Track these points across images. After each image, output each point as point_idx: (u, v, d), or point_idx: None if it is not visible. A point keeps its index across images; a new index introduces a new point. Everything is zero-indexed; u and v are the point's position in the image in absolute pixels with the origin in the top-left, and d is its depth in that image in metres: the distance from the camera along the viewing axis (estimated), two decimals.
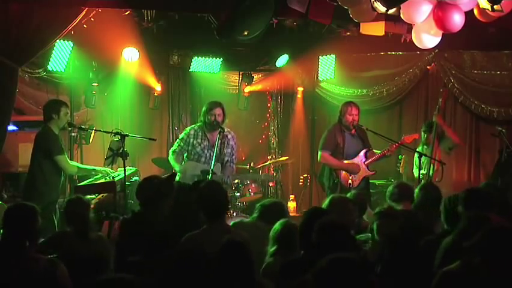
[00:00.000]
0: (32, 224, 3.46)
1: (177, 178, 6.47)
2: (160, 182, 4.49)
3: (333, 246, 3.22)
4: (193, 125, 6.79)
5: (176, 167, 6.53)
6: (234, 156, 6.62)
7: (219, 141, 6.43)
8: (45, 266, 3.32)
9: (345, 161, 6.82)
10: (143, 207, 4.33)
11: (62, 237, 4.30)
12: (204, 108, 6.64)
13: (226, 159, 6.55)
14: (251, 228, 4.44)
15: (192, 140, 6.52)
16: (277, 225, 4.01)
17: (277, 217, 4.28)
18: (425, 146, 7.26)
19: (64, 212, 4.51)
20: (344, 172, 6.83)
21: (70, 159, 6.45)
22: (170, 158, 6.63)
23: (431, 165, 6.86)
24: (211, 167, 6.18)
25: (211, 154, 6.42)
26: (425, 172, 6.95)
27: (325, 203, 4.60)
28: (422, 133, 7.29)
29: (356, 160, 6.85)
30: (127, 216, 4.80)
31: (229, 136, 6.59)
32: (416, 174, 7.17)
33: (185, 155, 6.59)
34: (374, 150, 6.95)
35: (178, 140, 6.74)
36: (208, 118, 6.47)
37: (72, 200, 4.55)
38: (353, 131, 6.88)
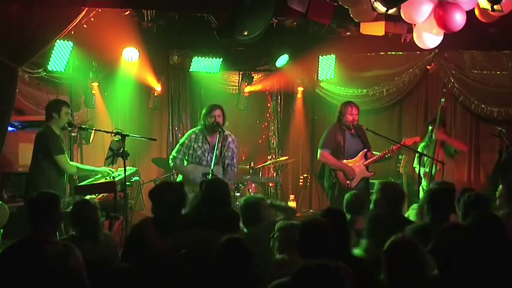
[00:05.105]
0: (53, 211, 3.72)
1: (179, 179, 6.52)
2: (182, 187, 4.56)
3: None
4: (193, 129, 6.70)
5: (182, 173, 6.51)
6: (234, 160, 6.54)
7: (219, 143, 6.38)
8: (59, 250, 3.55)
9: (344, 161, 6.81)
10: (166, 211, 4.27)
11: (71, 242, 4.16)
12: (203, 111, 6.57)
13: (227, 162, 6.47)
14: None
15: (193, 144, 6.46)
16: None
17: (255, 216, 4.43)
18: (428, 142, 7.26)
19: (71, 214, 4.32)
20: (342, 172, 6.83)
21: (70, 159, 6.43)
22: (177, 164, 6.51)
23: (434, 165, 6.87)
24: (211, 168, 6.15)
25: (212, 157, 6.33)
26: (428, 170, 6.96)
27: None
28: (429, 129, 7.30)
29: (356, 159, 6.85)
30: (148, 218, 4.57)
31: (230, 139, 6.49)
32: (417, 170, 7.18)
33: (185, 158, 6.53)
34: (374, 152, 6.93)
35: (178, 145, 6.63)
36: (208, 120, 6.42)
37: (79, 202, 4.37)
38: (353, 131, 6.89)
